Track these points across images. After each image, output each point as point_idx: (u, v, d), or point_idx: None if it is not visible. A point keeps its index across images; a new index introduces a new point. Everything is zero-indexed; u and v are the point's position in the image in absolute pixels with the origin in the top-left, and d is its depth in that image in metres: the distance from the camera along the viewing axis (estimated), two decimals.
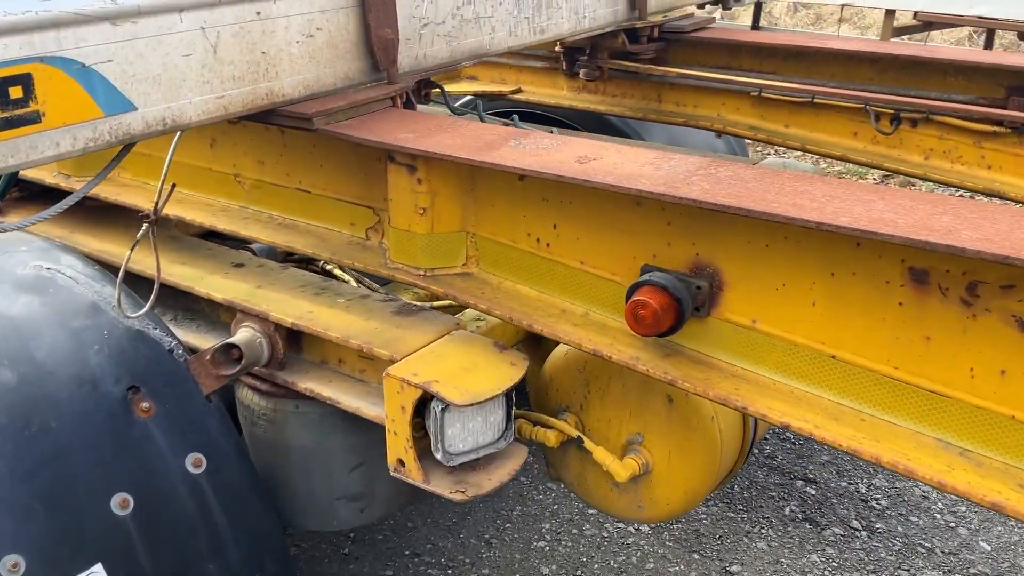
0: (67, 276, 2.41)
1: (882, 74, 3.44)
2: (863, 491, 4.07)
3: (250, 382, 2.55)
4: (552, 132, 2.75)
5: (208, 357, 2.38)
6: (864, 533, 3.82)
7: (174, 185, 2.23)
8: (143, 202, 2.77)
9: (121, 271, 2.27)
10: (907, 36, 8.75)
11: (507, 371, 2.16)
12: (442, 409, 2.08)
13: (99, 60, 1.83)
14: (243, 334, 2.45)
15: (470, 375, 2.13)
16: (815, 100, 3.48)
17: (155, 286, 2.30)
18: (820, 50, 3.52)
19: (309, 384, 2.43)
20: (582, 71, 3.65)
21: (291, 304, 2.47)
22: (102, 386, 2.20)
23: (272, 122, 2.22)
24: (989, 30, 9.46)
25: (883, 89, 3.43)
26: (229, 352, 2.42)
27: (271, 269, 2.68)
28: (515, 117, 3.11)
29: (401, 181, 2.21)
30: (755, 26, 4.47)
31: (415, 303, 2.56)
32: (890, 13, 8.19)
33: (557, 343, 2.32)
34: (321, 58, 2.30)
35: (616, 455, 2.38)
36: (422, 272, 2.28)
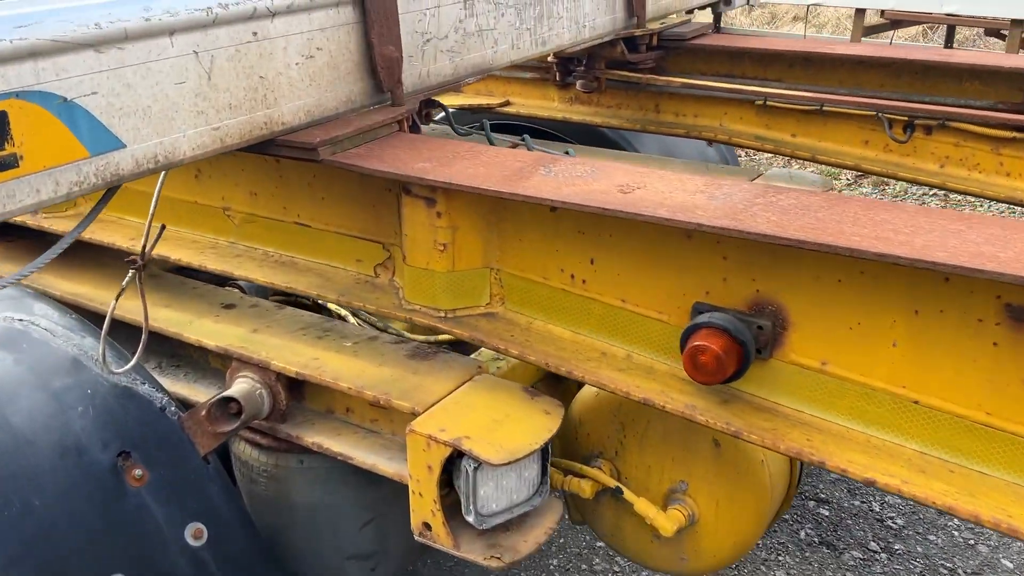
0: (42, 328, 2.16)
1: (894, 79, 3.29)
2: (877, 510, 3.93)
3: (248, 435, 2.32)
4: (569, 153, 2.54)
5: (204, 413, 2.15)
6: (883, 555, 3.68)
7: (164, 226, 2.00)
8: (120, 240, 2.53)
9: (106, 323, 2.03)
10: (874, 35, 8.70)
11: (542, 421, 1.97)
12: (475, 468, 1.87)
13: (83, 93, 1.60)
14: (241, 385, 2.22)
15: (503, 428, 1.93)
16: (824, 108, 3.33)
17: (143, 337, 2.07)
18: (828, 55, 3.36)
19: (317, 438, 2.21)
20: (579, 83, 3.47)
21: (293, 350, 2.24)
22: (89, 453, 1.97)
23: (272, 153, 2.00)
24: (949, 27, 9.47)
25: (896, 95, 3.29)
26: (227, 406, 2.19)
27: (266, 310, 2.46)
28: (527, 137, 2.90)
29: (418, 215, 2.00)
30: (717, 28, 4.30)
31: (427, 343, 2.35)
32: (860, 12, 8.11)
33: (582, 383, 2.13)
34: (322, 81, 2.08)
35: (657, 505, 2.19)
36: (443, 314, 2.07)
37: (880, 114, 3.24)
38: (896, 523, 3.85)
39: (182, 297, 2.53)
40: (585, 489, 2.20)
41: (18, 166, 1.53)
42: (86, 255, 2.64)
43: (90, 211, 1.76)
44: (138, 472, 1.99)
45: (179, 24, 1.74)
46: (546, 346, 1.99)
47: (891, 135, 3.22)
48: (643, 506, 2.15)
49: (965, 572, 3.60)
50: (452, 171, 1.93)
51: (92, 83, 1.61)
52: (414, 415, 1.99)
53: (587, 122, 3.73)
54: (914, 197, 7.23)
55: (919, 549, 3.71)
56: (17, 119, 1.51)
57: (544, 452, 1.96)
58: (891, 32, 9.07)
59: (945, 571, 3.60)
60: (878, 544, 3.74)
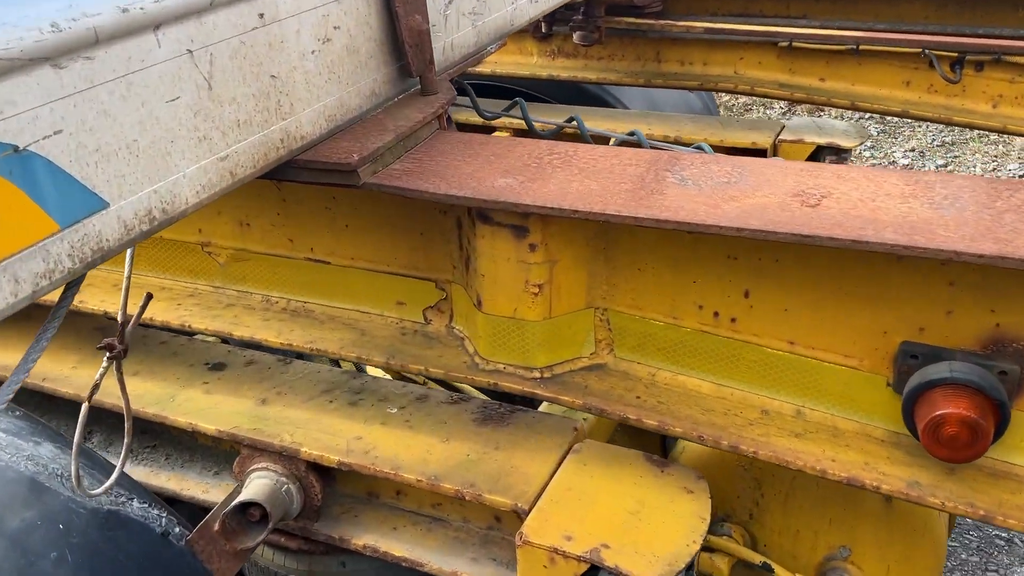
0: None
1: (940, 11, 2.87)
2: None
3: (271, 537, 1.78)
4: (702, 149, 1.96)
5: (218, 527, 1.60)
6: None
7: (150, 295, 1.42)
8: (91, 300, 1.92)
9: (77, 433, 1.45)
10: None
11: (688, 507, 1.49)
12: None
13: (41, 135, 1.02)
14: (261, 483, 1.67)
15: (643, 524, 1.45)
16: (860, 48, 2.88)
17: (125, 441, 1.51)
18: None
19: (367, 538, 1.68)
20: (576, 34, 2.93)
21: (324, 426, 1.70)
22: None
23: (294, 180, 1.44)
24: None
25: (943, 29, 2.87)
26: (246, 513, 1.65)
27: (268, 367, 1.89)
28: (521, 101, 2.33)
29: (501, 249, 1.47)
30: None
31: (493, 398, 1.83)
32: None
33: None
34: (342, 72, 1.52)
35: None
36: (538, 374, 1.56)
37: (926, 51, 2.82)
38: None
39: (152, 358, 1.94)
40: (721, 568, 1.74)
41: None
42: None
43: (52, 312, 1.18)
44: None
45: (167, 13, 1.16)
46: (688, 407, 1.50)
47: (942, 74, 2.80)
48: None
49: (1022, 541, 3.32)
50: (551, 189, 1.40)
51: (54, 117, 1.03)
52: (517, 514, 1.49)
53: (577, 79, 3.21)
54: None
55: (969, 522, 3.41)
56: None
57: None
58: None
59: (1002, 542, 3.31)
60: None
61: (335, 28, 1.50)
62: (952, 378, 1.27)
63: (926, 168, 6.63)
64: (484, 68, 3.33)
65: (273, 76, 1.37)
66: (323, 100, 1.49)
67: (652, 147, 2.01)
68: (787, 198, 1.34)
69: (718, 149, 2.91)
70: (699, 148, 1.92)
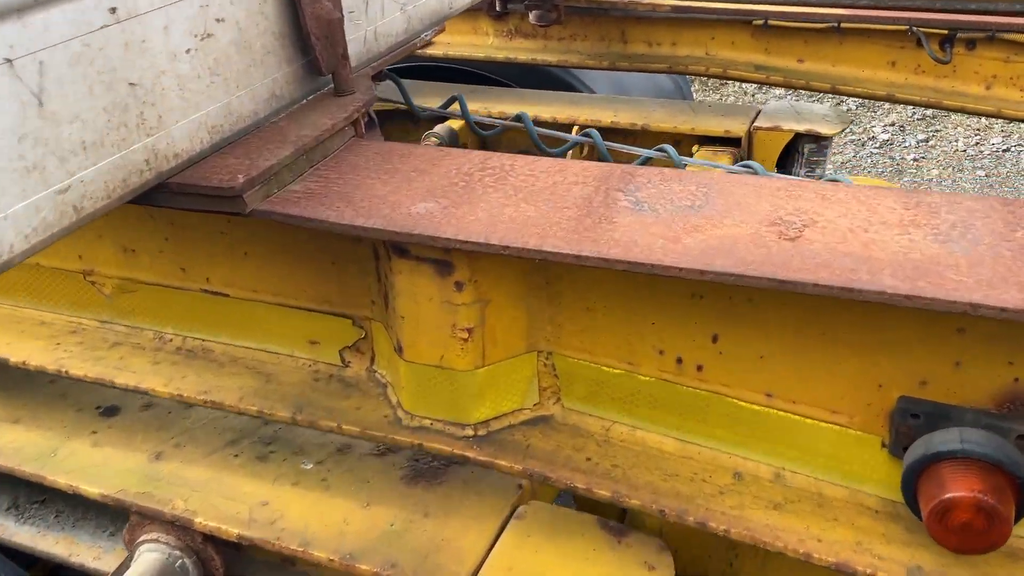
0: None
1: None
2: None
3: None
4: (666, 153, 1.68)
5: None
6: None
7: None
8: None
9: None
10: None
11: None
12: None
13: None
14: (151, 557, 1.42)
15: None
16: (841, 25, 2.64)
17: None
18: None
19: None
20: (532, 14, 2.67)
21: (224, 487, 1.45)
22: None
23: (166, 205, 1.19)
24: None
25: (931, 3, 2.63)
26: None
27: (167, 409, 1.64)
28: (461, 97, 2.02)
29: (423, 288, 1.23)
30: None
31: (424, 449, 1.59)
32: None
33: None
34: (229, 73, 1.26)
35: None
36: (471, 432, 1.32)
37: (913, 28, 2.58)
38: None
39: (37, 401, 1.68)
40: None
41: None
42: None
43: None
44: None
45: None
46: (647, 472, 1.26)
47: (931, 53, 2.56)
48: None
49: None
50: (479, 217, 1.15)
51: None
52: None
53: (536, 62, 2.94)
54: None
55: None
56: None
57: None
58: None
59: None
60: None
61: (218, 21, 1.24)
62: (964, 450, 1.04)
63: (906, 144, 6.42)
64: (435, 50, 3.06)
65: (132, 84, 1.11)
66: (203, 109, 1.23)
67: (608, 151, 1.75)
68: (762, 228, 1.10)
69: (689, 138, 2.67)
70: (662, 151, 1.67)
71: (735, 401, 1.23)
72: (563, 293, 1.26)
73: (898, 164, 6.14)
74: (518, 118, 1.74)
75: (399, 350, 1.29)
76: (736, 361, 1.21)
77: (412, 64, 3.09)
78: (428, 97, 2.86)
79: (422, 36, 1.77)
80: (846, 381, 1.16)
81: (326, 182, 1.26)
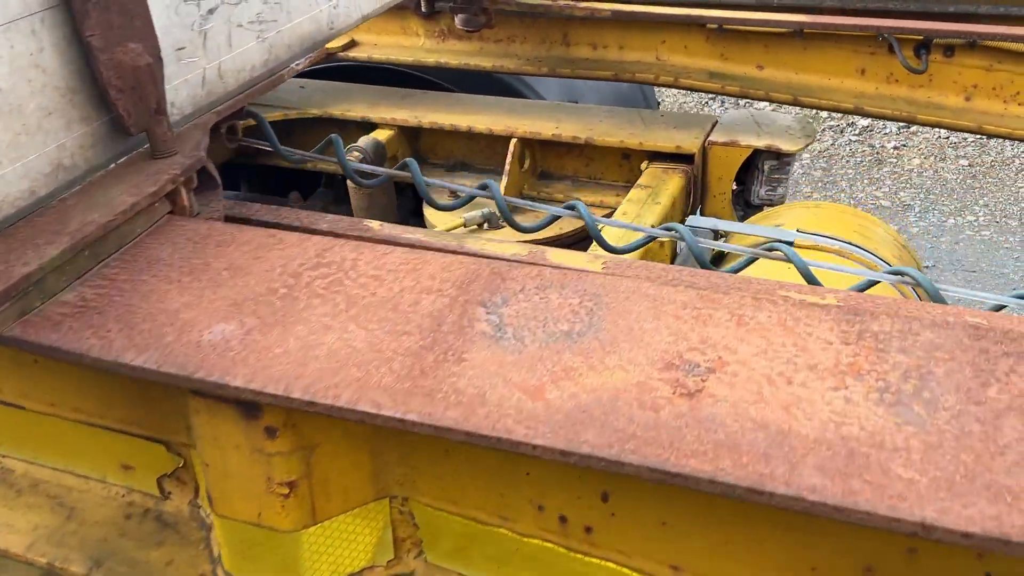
0: None
1: None
2: None
3: None
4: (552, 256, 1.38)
5: None
6: None
7: None
8: None
9: None
10: None
11: None
12: None
13: None
14: None
15: None
16: (804, 32, 2.36)
17: None
18: None
19: None
20: (458, 17, 2.37)
21: None
22: None
23: None
24: None
25: (904, 7, 2.35)
26: None
27: None
28: (337, 140, 1.62)
29: (228, 434, 0.95)
30: None
31: None
32: None
33: None
34: None
35: None
36: None
37: (884, 35, 2.30)
38: None
39: None
40: None
41: None
42: None
43: None
44: None
45: None
46: None
47: (903, 61, 2.29)
48: None
49: None
50: (289, 348, 0.88)
51: None
52: None
53: (469, 66, 2.65)
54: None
55: None
56: None
57: None
58: None
59: None
60: None
61: None
62: None
63: (887, 131, 6.13)
64: (359, 51, 2.77)
65: None
66: None
67: (510, 206, 1.46)
68: (655, 374, 0.83)
69: (638, 153, 2.40)
70: (572, 208, 1.39)
71: (623, 571, 0.96)
72: (414, 432, 0.98)
73: (878, 152, 5.87)
74: (404, 166, 1.44)
75: (210, 502, 1.02)
76: (632, 526, 0.94)
77: (334, 65, 2.80)
78: (352, 103, 2.58)
79: (291, 66, 1.48)
80: (771, 562, 0.89)
81: (109, 288, 0.98)
